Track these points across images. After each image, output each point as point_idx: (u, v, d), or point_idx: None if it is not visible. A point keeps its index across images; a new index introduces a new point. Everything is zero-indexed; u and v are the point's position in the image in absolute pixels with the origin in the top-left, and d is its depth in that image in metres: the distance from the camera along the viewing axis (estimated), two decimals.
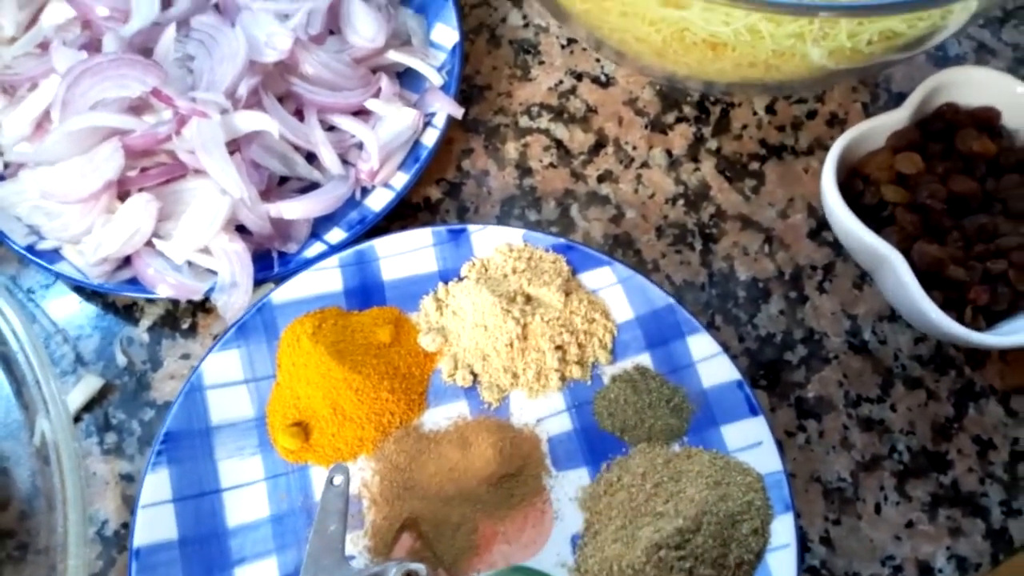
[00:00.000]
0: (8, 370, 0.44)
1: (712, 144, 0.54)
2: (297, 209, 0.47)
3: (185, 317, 0.49)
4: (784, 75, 0.46)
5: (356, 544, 0.42)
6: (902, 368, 0.48)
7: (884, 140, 0.48)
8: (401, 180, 0.50)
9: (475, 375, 0.46)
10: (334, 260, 0.47)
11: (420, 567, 0.36)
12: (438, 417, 0.45)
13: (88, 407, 0.48)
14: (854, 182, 0.47)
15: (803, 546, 0.42)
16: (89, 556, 0.44)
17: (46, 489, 0.42)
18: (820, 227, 0.51)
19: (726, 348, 0.44)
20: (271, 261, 0.48)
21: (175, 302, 0.50)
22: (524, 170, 0.53)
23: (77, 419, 0.47)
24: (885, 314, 0.49)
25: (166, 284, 0.46)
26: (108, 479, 0.46)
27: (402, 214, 0.51)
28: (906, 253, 0.44)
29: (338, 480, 0.40)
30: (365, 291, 0.47)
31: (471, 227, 0.48)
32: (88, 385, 0.48)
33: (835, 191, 0.45)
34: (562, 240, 0.47)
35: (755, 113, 0.55)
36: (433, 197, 0.53)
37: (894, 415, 0.47)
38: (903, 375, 0.47)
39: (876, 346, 0.48)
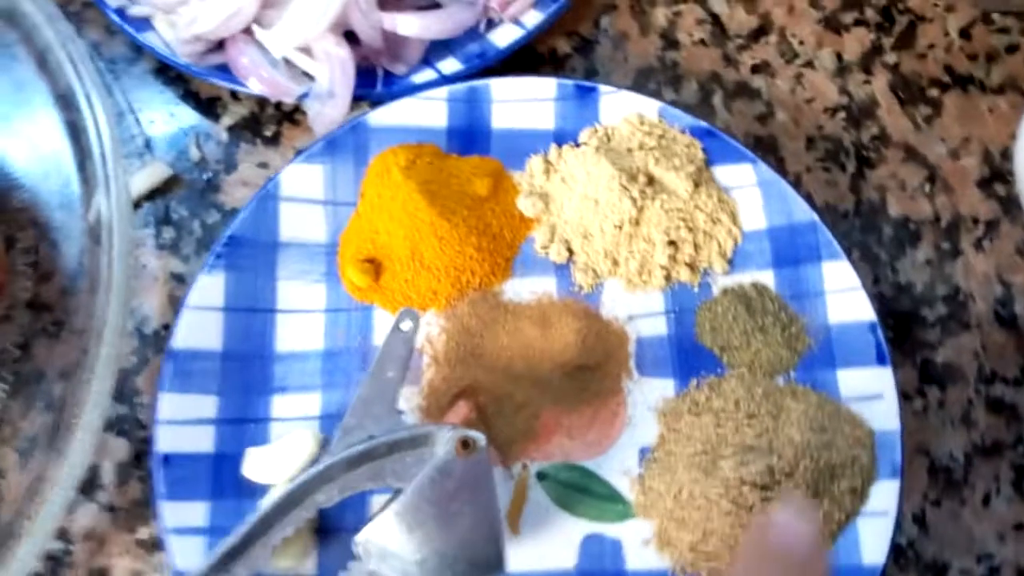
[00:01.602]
0: (75, 139, 0.40)
1: (890, 58, 0.46)
2: (414, 25, 0.42)
3: (269, 124, 0.45)
4: None
5: (409, 401, 0.38)
6: None
7: None
8: (534, 19, 0.43)
9: (571, 252, 0.41)
10: (443, 92, 0.42)
11: (479, 435, 0.32)
12: (521, 288, 0.40)
13: (150, 196, 0.44)
14: None
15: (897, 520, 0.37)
16: (123, 348, 0.41)
17: (91, 269, 0.39)
18: (993, 177, 0.44)
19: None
20: (375, 79, 0.42)
21: (261, 105, 0.45)
22: (669, 41, 0.47)
23: (137, 206, 0.44)
24: None
25: (258, 78, 0.41)
26: (158, 275, 0.42)
27: (523, 63, 0.45)
28: None
29: (406, 326, 0.35)
30: (469, 135, 0.42)
31: (603, 87, 0.42)
32: (154, 172, 0.44)
33: None
34: (703, 123, 0.41)
35: (947, 34, 0.47)
36: (561, 51, 0.46)
37: None
38: None
39: None
